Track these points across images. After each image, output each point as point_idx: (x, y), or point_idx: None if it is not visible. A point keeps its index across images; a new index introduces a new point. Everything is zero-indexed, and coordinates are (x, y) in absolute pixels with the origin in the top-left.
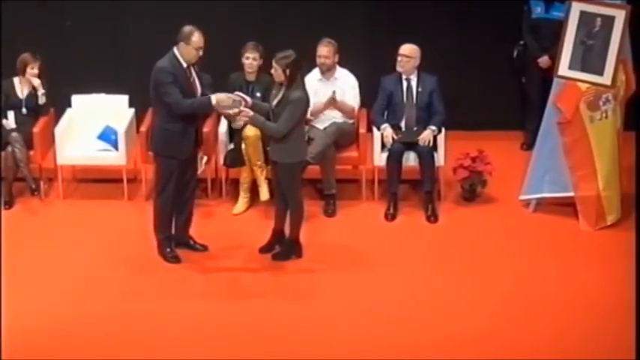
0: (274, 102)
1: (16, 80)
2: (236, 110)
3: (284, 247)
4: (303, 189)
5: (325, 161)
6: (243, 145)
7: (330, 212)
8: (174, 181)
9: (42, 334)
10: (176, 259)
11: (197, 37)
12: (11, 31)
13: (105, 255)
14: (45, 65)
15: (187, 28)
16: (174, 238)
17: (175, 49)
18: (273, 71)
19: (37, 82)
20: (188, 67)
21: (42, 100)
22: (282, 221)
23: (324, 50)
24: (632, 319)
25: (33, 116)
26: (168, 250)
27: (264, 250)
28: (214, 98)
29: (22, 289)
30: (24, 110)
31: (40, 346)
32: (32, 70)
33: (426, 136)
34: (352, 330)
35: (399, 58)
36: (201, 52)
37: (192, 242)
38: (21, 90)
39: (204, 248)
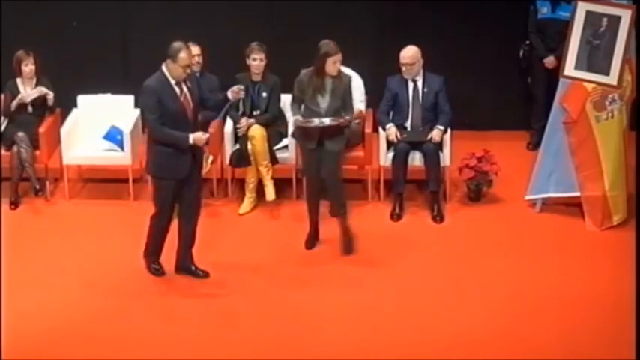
0: (327, 95)
1: (19, 81)
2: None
3: (346, 239)
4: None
5: None
6: (248, 145)
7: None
8: (172, 202)
9: (44, 334)
10: (159, 272)
11: (184, 55)
12: (16, 31)
13: (110, 255)
14: (51, 65)
15: (176, 45)
16: (179, 265)
17: (164, 66)
18: (337, 65)
19: (44, 90)
20: (177, 83)
21: (51, 102)
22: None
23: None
24: (633, 319)
25: (39, 115)
26: (153, 265)
27: (310, 245)
28: (192, 138)
29: (25, 289)
30: (30, 109)
31: (41, 346)
32: (26, 67)
33: (437, 136)
34: (357, 329)
35: (403, 68)
36: (188, 70)
37: (194, 268)
38: (24, 89)
39: (206, 274)
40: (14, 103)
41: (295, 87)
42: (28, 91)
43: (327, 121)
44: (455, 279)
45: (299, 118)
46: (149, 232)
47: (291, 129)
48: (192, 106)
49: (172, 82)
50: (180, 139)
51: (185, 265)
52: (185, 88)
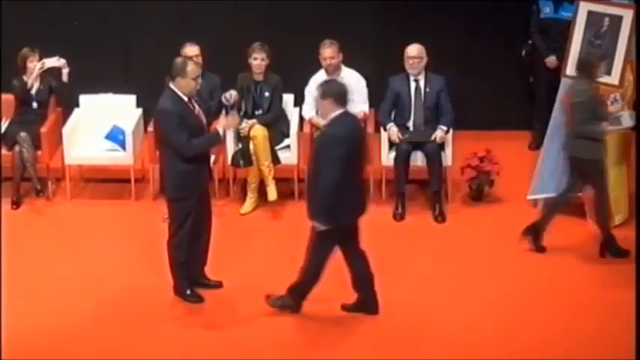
0: None
1: (24, 77)
2: None
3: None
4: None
5: None
6: (250, 145)
7: None
8: (192, 219)
9: (45, 334)
10: (198, 299)
11: (192, 67)
12: (17, 31)
13: (111, 255)
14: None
15: (180, 61)
16: (190, 278)
17: (172, 85)
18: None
19: (62, 60)
20: (189, 99)
21: (65, 77)
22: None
23: (329, 51)
24: (633, 319)
25: (42, 113)
26: (188, 292)
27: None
28: (220, 129)
29: (26, 289)
30: (34, 105)
31: (41, 346)
32: (32, 64)
33: (440, 135)
34: (357, 328)
35: (410, 62)
36: (199, 81)
37: (207, 281)
38: (31, 85)
39: (220, 285)
40: (37, 68)
41: (599, 102)
42: (34, 87)
43: None
44: (456, 278)
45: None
46: (173, 259)
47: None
48: (205, 119)
49: (185, 98)
50: (212, 139)
51: (199, 280)
52: (196, 104)
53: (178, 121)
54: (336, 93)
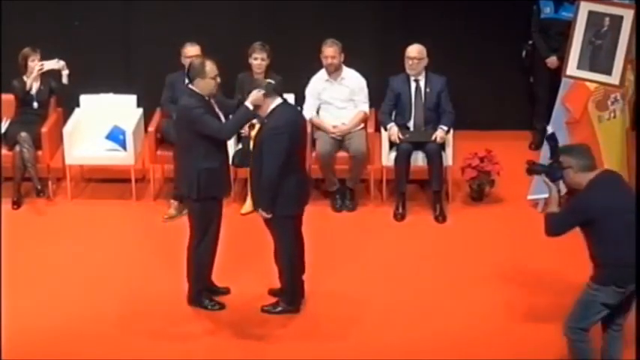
0: None
1: (24, 78)
2: None
3: None
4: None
5: (328, 162)
6: (251, 145)
7: (337, 207)
8: (216, 223)
9: (45, 334)
10: (220, 306)
11: (210, 66)
12: (17, 31)
13: (112, 255)
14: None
15: (197, 62)
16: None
17: (192, 87)
18: None
19: (61, 62)
20: (209, 99)
21: (65, 79)
22: None
23: (330, 51)
24: (633, 319)
25: (42, 113)
26: (207, 301)
27: None
28: (250, 105)
29: (27, 289)
30: (35, 105)
31: (42, 346)
32: (33, 63)
33: (441, 135)
34: (358, 328)
35: (410, 62)
36: (218, 80)
37: (214, 287)
38: (30, 85)
39: (227, 292)
40: (35, 70)
41: None
42: (34, 87)
43: None
44: (457, 278)
45: None
46: (196, 266)
47: None
48: (224, 120)
49: (206, 98)
50: (244, 114)
51: (206, 285)
52: (214, 105)
53: (204, 111)
54: (265, 88)
